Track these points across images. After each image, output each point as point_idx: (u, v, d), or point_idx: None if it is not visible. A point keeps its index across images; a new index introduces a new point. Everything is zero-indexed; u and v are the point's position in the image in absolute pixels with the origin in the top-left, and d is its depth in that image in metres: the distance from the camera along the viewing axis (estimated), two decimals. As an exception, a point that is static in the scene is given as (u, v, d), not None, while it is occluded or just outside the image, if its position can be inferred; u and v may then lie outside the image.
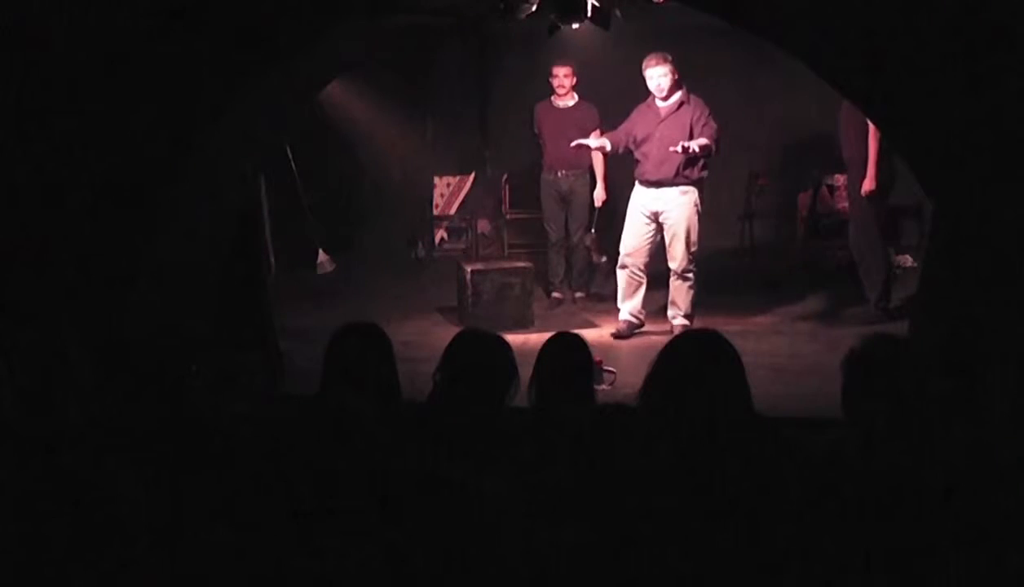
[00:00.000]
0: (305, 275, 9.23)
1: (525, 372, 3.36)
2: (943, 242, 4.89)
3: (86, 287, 4.94)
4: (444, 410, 3.25)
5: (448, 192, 10.15)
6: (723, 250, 8.96)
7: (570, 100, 7.73)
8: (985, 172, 4.46)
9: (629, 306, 6.87)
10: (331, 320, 6.36)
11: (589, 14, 6.06)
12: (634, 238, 6.80)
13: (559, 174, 7.73)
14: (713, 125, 6.63)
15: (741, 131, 9.00)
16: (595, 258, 8.08)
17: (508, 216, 9.78)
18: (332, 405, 2.87)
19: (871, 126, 6.70)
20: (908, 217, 8.85)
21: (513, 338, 3.49)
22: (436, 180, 10.09)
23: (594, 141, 7.07)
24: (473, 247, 9.95)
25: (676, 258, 6.74)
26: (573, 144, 7.16)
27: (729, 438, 2.72)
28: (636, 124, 6.81)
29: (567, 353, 3.51)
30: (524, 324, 7.02)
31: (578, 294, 7.97)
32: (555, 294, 7.96)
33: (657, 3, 6.16)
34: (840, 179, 8.84)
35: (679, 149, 6.46)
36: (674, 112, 6.66)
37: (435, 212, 10.12)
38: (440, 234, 10.32)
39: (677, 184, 6.65)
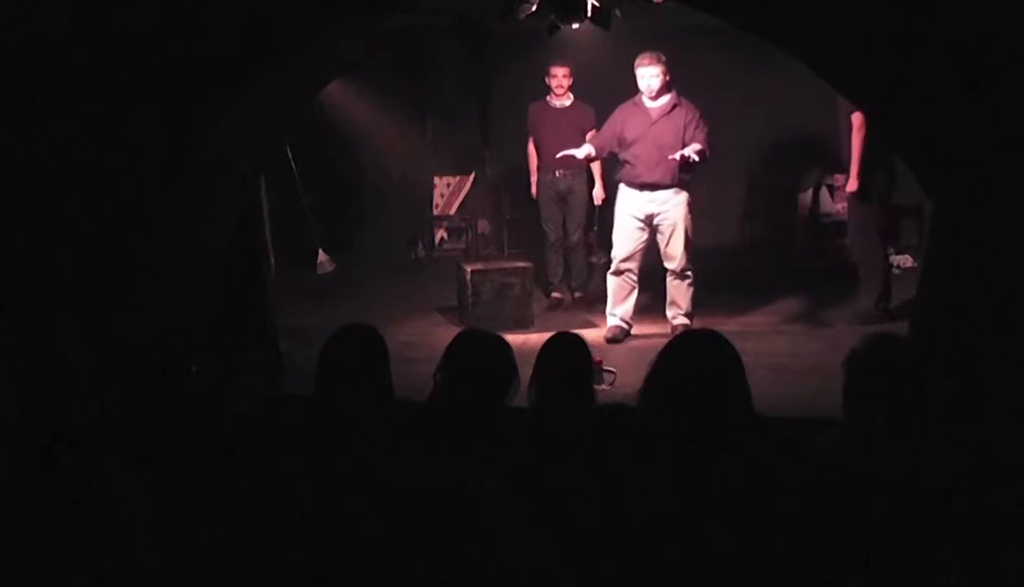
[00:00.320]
0: (305, 275, 9.24)
1: (525, 372, 3.36)
2: (943, 242, 4.89)
3: (86, 287, 4.94)
4: (444, 410, 3.25)
5: (448, 192, 10.16)
6: (723, 250, 8.97)
7: (567, 100, 7.72)
8: (985, 172, 4.46)
9: (621, 311, 6.84)
10: (331, 320, 6.39)
11: (589, 14, 6.05)
12: (628, 243, 6.74)
13: (557, 174, 7.71)
14: (705, 128, 6.61)
15: (741, 131, 9.02)
16: (595, 258, 8.08)
17: (508, 216, 9.78)
18: (331, 405, 2.87)
19: (855, 126, 6.78)
20: (908, 217, 8.86)
21: (513, 338, 3.49)
22: (436, 180, 10.09)
23: (579, 151, 6.93)
24: (473, 247, 9.95)
25: (675, 258, 6.71)
26: (559, 155, 7.10)
27: (729, 438, 2.72)
28: (624, 125, 6.71)
29: (567, 353, 3.51)
30: (524, 324, 7.02)
31: (577, 294, 7.96)
32: (555, 294, 7.95)
33: (657, 3, 6.16)
34: (840, 179, 8.84)
35: (677, 157, 6.44)
36: (667, 114, 6.62)
37: (435, 212, 10.12)
38: (440, 234, 10.33)
39: (672, 186, 6.63)
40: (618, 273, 6.81)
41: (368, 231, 10.17)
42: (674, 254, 6.71)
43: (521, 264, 7.43)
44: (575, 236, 7.86)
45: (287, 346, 6.30)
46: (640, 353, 6.09)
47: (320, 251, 9.50)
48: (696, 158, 6.46)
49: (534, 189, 7.99)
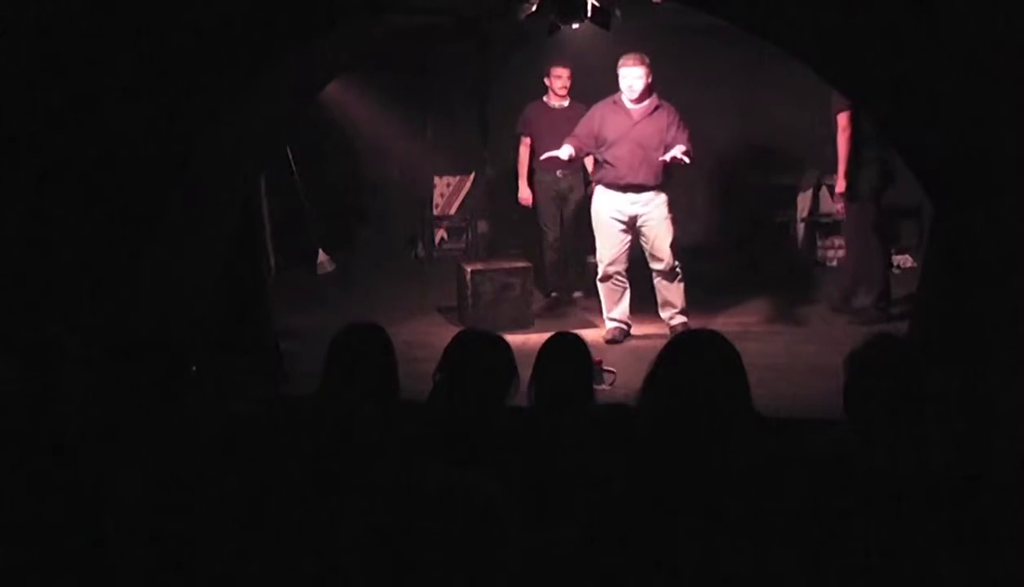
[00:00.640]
0: (305, 275, 9.23)
1: (525, 372, 3.35)
2: (943, 242, 4.89)
3: (86, 287, 4.94)
4: (444, 410, 3.25)
5: (448, 192, 10.15)
6: (722, 250, 8.97)
7: (564, 101, 7.71)
8: (985, 172, 4.46)
9: (617, 312, 6.82)
10: (331, 320, 6.38)
11: (589, 14, 6.05)
12: (613, 247, 6.71)
13: (559, 174, 7.70)
14: (686, 130, 6.60)
15: (741, 131, 9.02)
16: (593, 257, 8.06)
17: (507, 216, 9.78)
18: (332, 405, 2.87)
19: (840, 126, 6.83)
20: (908, 217, 8.86)
21: (513, 338, 3.48)
22: (436, 180, 10.09)
23: (560, 152, 6.77)
24: (473, 247, 9.95)
25: (663, 258, 6.68)
26: (542, 157, 7.05)
27: (729, 438, 2.72)
28: (602, 124, 6.67)
29: (567, 353, 3.51)
30: (524, 324, 7.02)
31: (576, 294, 7.94)
32: (553, 294, 7.95)
33: (657, 3, 6.16)
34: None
35: (668, 158, 6.42)
36: (649, 115, 6.60)
37: (435, 212, 10.12)
38: (440, 234, 10.32)
39: (655, 187, 6.62)
40: (607, 278, 6.79)
41: (368, 231, 10.17)
42: (661, 255, 6.68)
43: (521, 264, 7.43)
44: (574, 235, 7.85)
45: (287, 346, 6.31)
46: (640, 353, 6.09)
47: (320, 251, 9.49)
48: (686, 159, 6.46)
49: (524, 191, 7.91)
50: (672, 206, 6.70)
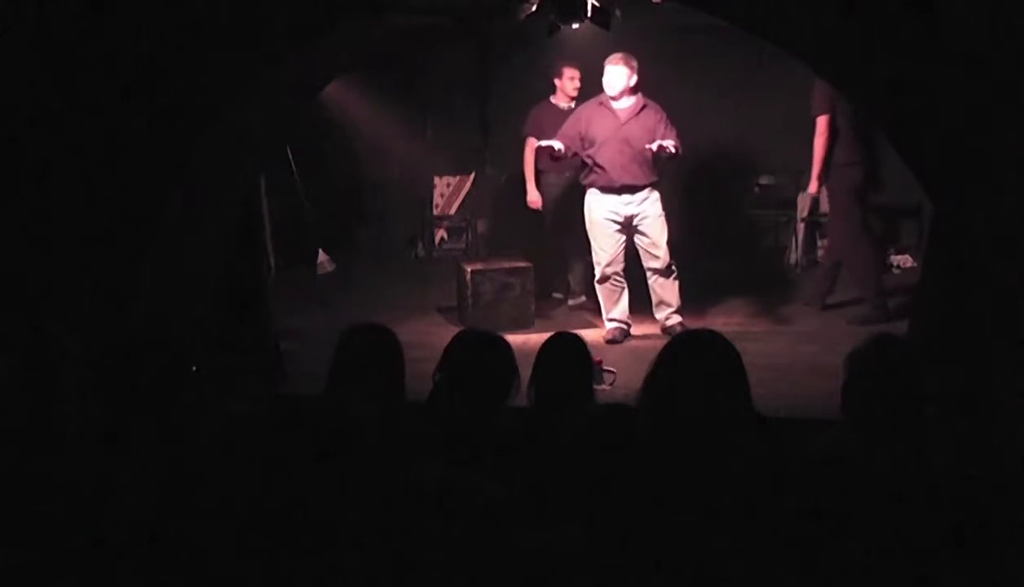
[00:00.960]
0: (305, 275, 9.23)
1: (525, 372, 3.36)
2: (943, 242, 4.89)
3: (86, 287, 4.94)
4: (444, 410, 3.25)
5: (448, 192, 10.16)
6: (721, 250, 8.97)
7: (572, 102, 7.68)
8: (985, 172, 4.46)
9: (617, 312, 6.82)
10: (331, 320, 6.41)
11: (589, 14, 6.05)
12: (610, 248, 6.71)
13: (567, 174, 7.68)
14: (673, 129, 6.60)
15: (741, 131, 9.01)
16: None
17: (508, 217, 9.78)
18: (333, 405, 2.87)
19: (818, 129, 6.94)
20: (908, 217, 8.87)
21: (513, 338, 3.48)
22: (436, 180, 10.09)
23: (553, 142, 6.73)
24: (473, 247, 9.95)
25: (659, 256, 6.68)
26: (537, 145, 7.03)
27: (729, 438, 2.72)
28: (590, 126, 6.66)
29: (567, 353, 3.51)
30: (524, 324, 7.02)
31: (580, 298, 7.86)
32: (556, 294, 7.94)
33: (657, 3, 6.16)
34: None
35: (655, 147, 6.40)
36: (635, 115, 6.61)
37: (435, 212, 10.12)
38: (440, 234, 10.33)
39: (647, 185, 6.63)
40: (604, 279, 6.78)
41: (368, 231, 10.17)
42: (658, 253, 6.68)
43: (521, 264, 7.43)
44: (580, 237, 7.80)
45: (287, 346, 6.31)
46: (640, 353, 6.09)
47: (320, 251, 9.49)
48: (672, 150, 6.43)
49: (532, 194, 7.78)
50: (663, 205, 6.71)
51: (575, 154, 6.81)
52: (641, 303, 6.92)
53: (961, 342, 4.50)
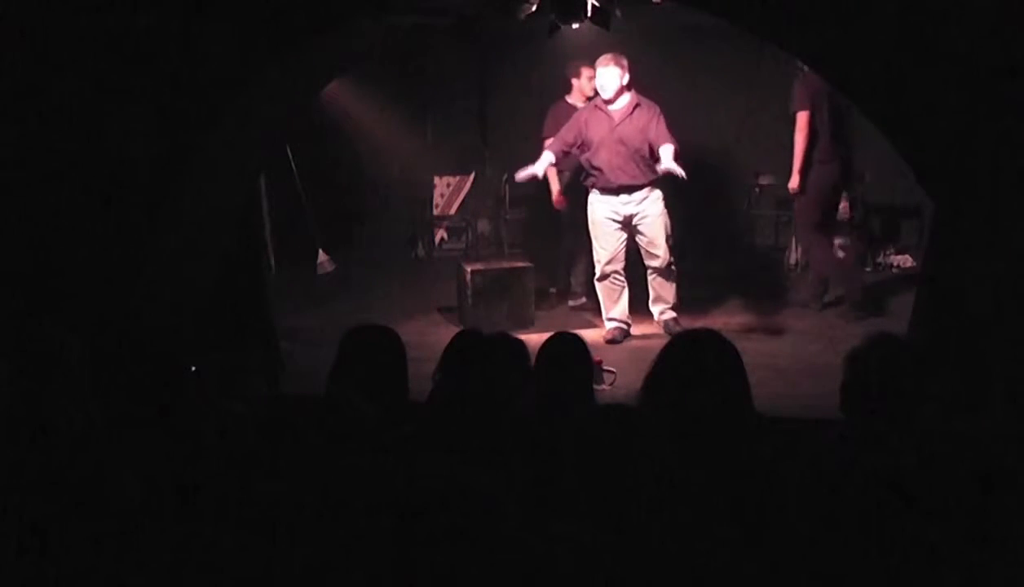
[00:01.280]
0: (305, 275, 9.23)
1: (525, 372, 3.36)
2: (943, 242, 4.89)
3: (86, 287, 4.94)
4: (444, 410, 3.25)
5: (448, 192, 10.15)
6: (721, 249, 8.97)
7: (588, 102, 7.63)
8: (985, 172, 4.46)
9: (616, 312, 6.84)
10: (331, 320, 6.42)
11: (589, 14, 6.05)
12: (610, 248, 6.73)
13: (566, 174, 7.67)
14: (667, 127, 6.58)
15: (741, 130, 9.01)
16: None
17: (508, 216, 9.78)
18: (333, 405, 2.87)
19: (799, 125, 7.02)
20: (908, 217, 8.87)
21: (513, 338, 3.49)
22: (436, 180, 10.09)
23: (536, 166, 6.75)
24: (473, 247, 9.95)
25: (659, 256, 6.71)
26: (518, 177, 6.92)
27: (729, 438, 2.72)
28: (588, 128, 6.68)
29: (567, 353, 3.50)
30: (524, 324, 7.02)
31: (581, 299, 7.78)
32: (551, 289, 7.92)
33: (657, 3, 6.16)
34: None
35: (661, 171, 6.43)
36: (629, 115, 6.61)
37: (435, 212, 10.12)
38: (440, 234, 10.32)
39: (645, 185, 6.63)
40: (604, 277, 6.80)
41: (368, 231, 10.17)
42: (658, 252, 6.70)
43: (521, 264, 7.43)
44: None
45: (287, 346, 6.31)
46: (640, 353, 6.09)
47: (320, 251, 9.49)
48: (680, 172, 6.37)
49: (558, 196, 7.55)
50: (666, 203, 6.72)
51: (572, 158, 6.81)
52: (641, 304, 6.93)
53: (961, 342, 4.49)
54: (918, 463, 2.59)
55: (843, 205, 8.69)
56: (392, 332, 3.49)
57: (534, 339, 3.56)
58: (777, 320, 7.24)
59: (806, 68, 7.15)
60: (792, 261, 9.02)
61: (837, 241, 8.73)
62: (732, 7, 4.99)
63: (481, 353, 3.37)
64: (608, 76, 6.57)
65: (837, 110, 6.97)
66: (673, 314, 6.81)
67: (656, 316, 6.87)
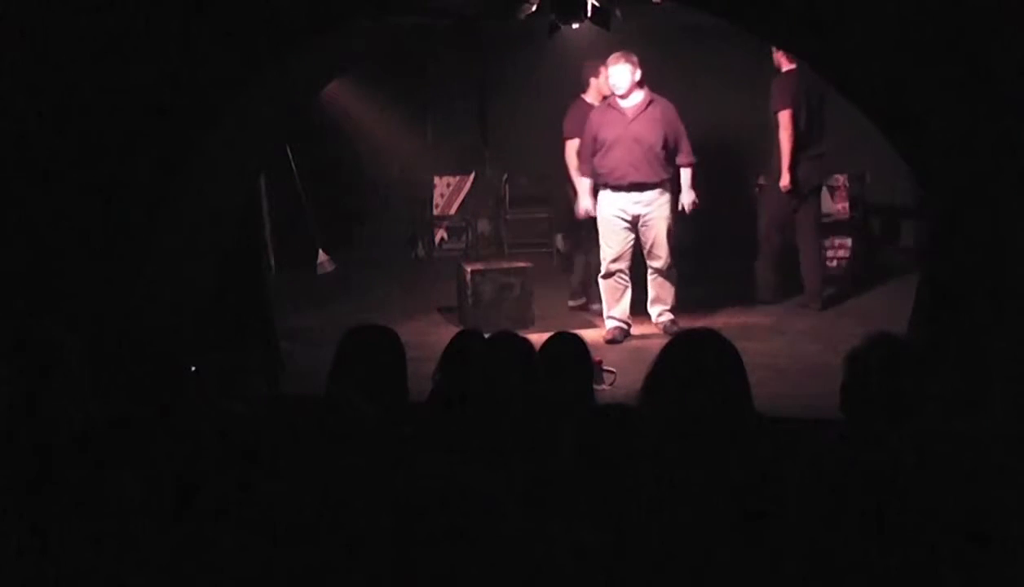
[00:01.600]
0: (305, 275, 9.23)
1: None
2: (943, 242, 4.89)
3: (86, 286, 4.94)
4: (444, 410, 3.25)
5: (448, 192, 10.16)
6: (721, 249, 8.96)
7: (601, 100, 7.61)
8: (985, 171, 4.46)
9: (617, 311, 6.84)
10: (331, 320, 6.42)
11: (589, 14, 6.05)
12: (616, 245, 6.74)
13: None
14: (682, 126, 6.71)
15: (742, 131, 9.00)
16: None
17: (508, 216, 9.79)
18: (333, 405, 2.86)
19: (782, 123, 7.23)
20: (908, 217, 8.86)
21: (512, 338, 3.48)
22: (436, 180, 10.09)
23: (581, 200, 6.93)
24: (473, 247, 9.95)
25: (661, 257, 6.74)
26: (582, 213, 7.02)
27: (729, 438, 2.72)
28: (600, 128, 6.71)
29: (567, 353, 3.50)
30: (524, 324, 7.01)
31: (581, 298, 7.76)
32: (571, 303, 7.86)
33: (657, 3, 6.16)
34: (840, 179, 8.87)
35: (687, 208, 6.77)
36: (643, 111, 6.65)
37: (435, 212, 10.12)
38: (440, 234, 10.32)
39: (656, 186, 6.65)
40: (609, 275, 6.81)
41: (368, 231, 10.17)
42: (660, 253, 6.74)
43: (521, 264, 7.43)
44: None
45: (287, 346, 6.31)
46: (640, 353, 6.09)
47: (320, 251, 9.49)
48: (695, 202, 6.75)
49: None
50: (673, 207, 6.77)
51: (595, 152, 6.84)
52: (641, 304, 6.93)
53: (961, 342, 4.49)
54: (918, 463, 2.59)
55: (842, 205, 8.73)
56: (392, 332, 3.49)
57: (534, 339, 3.55)
58: (777, 320, 7.24)
59: (783, 67, 7.28)
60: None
61: (837, 241, 8.77)
62: (732, 7, 4.99)
63: (481, 353, 3.37)
64: (620, 73, 6.60)
65: (811, 108, 7.22)
66: (671, 316, 6.84)
67: (654, 317, 6.89)
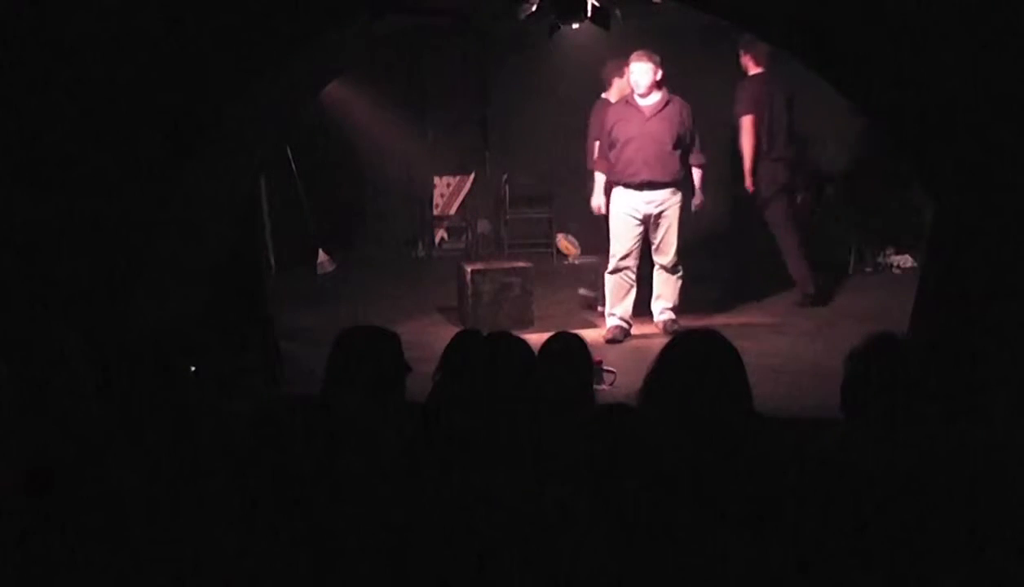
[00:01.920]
0: (305, 275, 9.23)
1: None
2: (943, 242, 4.89)
3: (86, 287, 4.94)
4: (444, 410, 3.25)
5: (448, 192, 10.16)
6: (722, 249, 8.96)
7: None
8: (985, 171, 4.46)
9: (620, 309, 6.85)
10: (331, 320, 6.41)
11: (589, 14, 6.05)
12: (627, 242, 6.77)
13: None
14: (696, 129, 6.77)
15: (740, 131, 8.99)
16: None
17: (508, 216, 9.79)
18: (333, 405, 2.87)
19: (744, 128, 7.40)
20: (908, 217, 8.85)
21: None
22: (436, 180, 10.09)
23: (596, 194, 6.94)
24: (473, 247, 9.95)
25: (668, 255, 6.79)
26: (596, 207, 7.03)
27: (729, 438, 2.72)
28: (616, 125, 6.73)
29: (567, 353, 3.50)
30: (524, 324, 7.02)
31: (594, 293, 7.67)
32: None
33: (657, 3, 6.16)
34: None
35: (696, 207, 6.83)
36: (660, 110, 6.68)
37: (435, 212, 10.12)
38: (440, 234, 10.33)
39: (669, 184, 6.68)
40: (616, 271, 6.83)
41: (368, 231, 10.17)
42: (668, 251, 6.79)
43: (521, 264, 7.43)
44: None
45: (287, 346, 6.30)
46: (640, 353, 6.09)
47: (320, 251, 9.49)
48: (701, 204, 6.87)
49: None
50: (683, 207, 6.81)
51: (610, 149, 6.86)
52: (642, 304, 6.94)
53: (960, 342, 4.49)
54: (918, 463, 2.59)
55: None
56: (391, 332, 3.49)
57: (534, 339, 3.55)
58: (777, 320, 7.24)
59: (751, 71, 7.36)
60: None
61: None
62: (732, 7, 4.99)
63: (481, 353, 3.37)
64: (642, 71, 6.63)
65: (775, 113, 7.39)
66: (673, 315, 6.86)
67: (656, 315, 6.91)
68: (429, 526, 2.27)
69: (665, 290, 6.88)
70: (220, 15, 4.89)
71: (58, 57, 4.83)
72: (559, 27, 6.41)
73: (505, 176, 9.76)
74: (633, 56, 6.69)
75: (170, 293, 5.39)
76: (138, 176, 5.06)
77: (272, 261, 9.10)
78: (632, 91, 6.73)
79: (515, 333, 3.52)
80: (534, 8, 6.11)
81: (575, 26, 6.33)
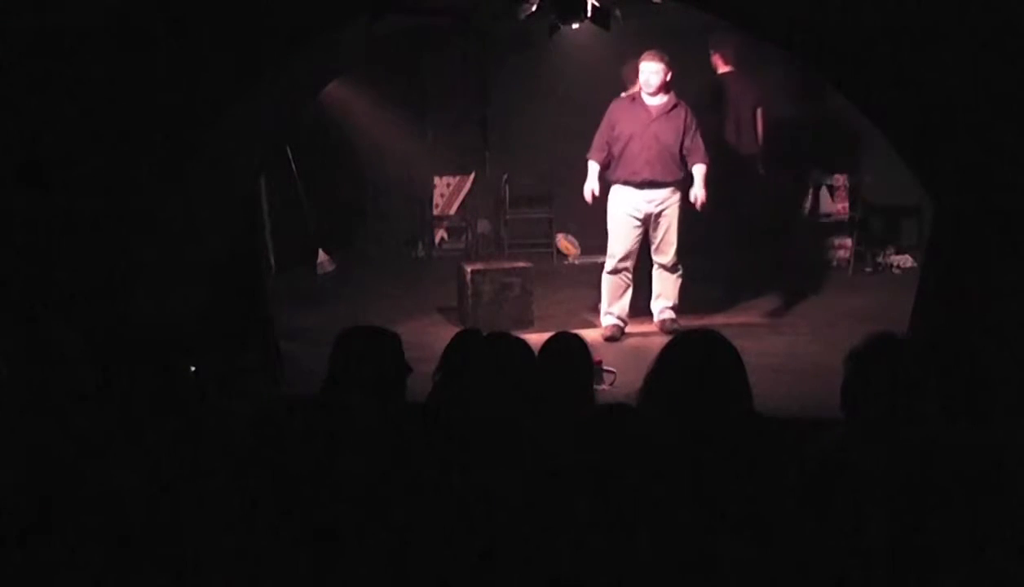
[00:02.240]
0: (305, 275, 9.23)
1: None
2: (943, 241, 4.89)
3: (86, 287, 4.94)
4: (444, 410, 3.25)
5: (448, 192, 10.15)
6: (722, 249, 8.96)
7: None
8: (985, 171, 4.46)
9: (617, 308, 6.86)
10: (331, 320, 6.41)
11: (589, 14, 6.05)
12: (626, 242, 6.77)
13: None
14: (700, 133, 6.75)
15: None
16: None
17: (508, 216, 9.79)
18: (332, 405, 2.87)
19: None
20: (908, 217, 8.87)
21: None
22: (436, 180, 10.09)
23: (589, 182, 6.82)
24: (473, 247, 9.95)
25: (668, 254, 6.79)
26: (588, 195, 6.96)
27: (729, 438, 2.72)
28: (620, 122, 6.73)
29: (567, 353, 3.50)
30: (524, 324, 7.02)
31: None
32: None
33: (657, 3, 6.16)
34: (840, 179, 8.88)
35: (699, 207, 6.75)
36: (667, 112, 6.68)
37: (435, 212, 10.12)
38: (440, 234, 10.32)
39: (670, 184, 6.68)
40: (615, 272, 6.83)
41: (368, 231, 10.17)
42: (667, 250, 6.79)
43: (521, 264, 7.44)
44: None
45: (287, 346, 6.30)
46: (639, 353, 6.09)
47: (320, 251, 9.49)
48: (703, 202, 6.73)
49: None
50: (683, 206, 6.79)
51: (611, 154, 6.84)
52: (642, 304, 6.94)
53: (961, 341, 4.49)
54: (918, 463, 2.59)
55: (841, 205, 8.76)
56: (391, 332, 3.49)
57: (534, 339, 3.55)
58: (777, 320, 7.24)
59: (719, 69, 7.72)
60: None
61: (836, 241, 8.80)
62: (732, 7, 4.99)
63: (481, 353, 3.37)
64: (651, 71, 6.63)
65: (740, 112, 7.62)
66: (673, 314, 6.86)
67: (656, 314, 6.91)
68: (429, 526, 2.27)
69: (665, 289, 6.89)
70: (220, 15, 4.89)
71: (58, 57, 4.83)
72: (559, 27, 6.40)
73: (505, 176, 9.75)
74: (644, 55, 6.70)
75: (170, 293, 5.39)
76: (138, 176, 5.06)
77: (272, 261, 9.09)
78: (641, 89, 6.74)
79: (515, 333, 3.52)
80: (534, 8, 6.11)
81: (575, 26, 6.33)
